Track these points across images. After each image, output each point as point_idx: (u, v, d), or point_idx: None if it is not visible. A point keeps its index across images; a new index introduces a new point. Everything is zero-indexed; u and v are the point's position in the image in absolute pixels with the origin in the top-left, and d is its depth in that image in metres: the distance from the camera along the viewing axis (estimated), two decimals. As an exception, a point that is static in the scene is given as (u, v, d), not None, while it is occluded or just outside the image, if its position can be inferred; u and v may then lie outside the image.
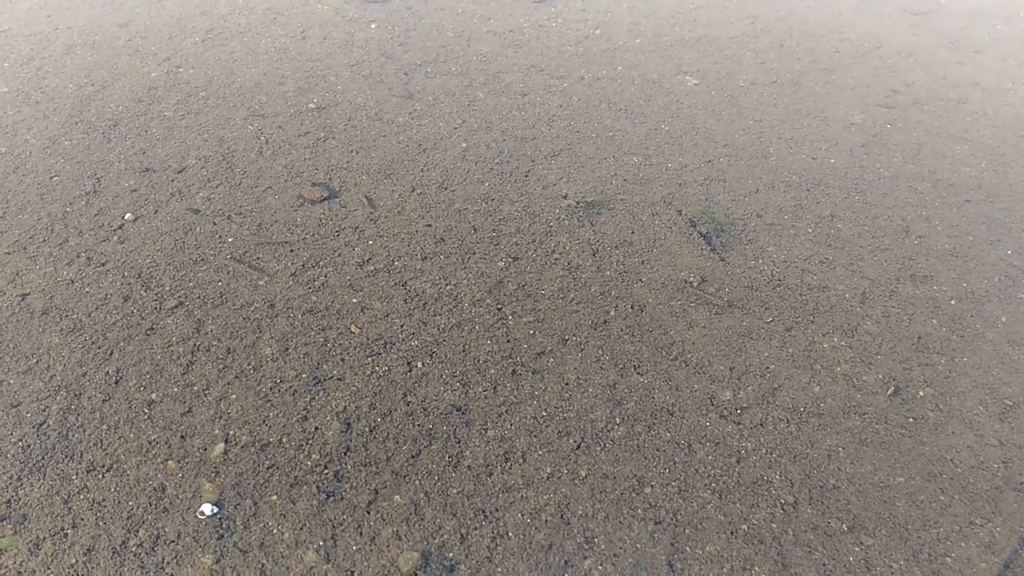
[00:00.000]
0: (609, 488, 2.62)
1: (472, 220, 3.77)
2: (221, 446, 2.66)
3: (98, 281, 3.29)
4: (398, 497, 2.55)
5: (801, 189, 4.15)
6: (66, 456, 2.60)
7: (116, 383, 2.86)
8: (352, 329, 3.14)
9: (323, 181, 3.96)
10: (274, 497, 2.52)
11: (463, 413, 2.84)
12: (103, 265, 3.37)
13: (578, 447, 2.75)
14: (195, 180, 3.92)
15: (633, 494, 2.60)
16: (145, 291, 3.25)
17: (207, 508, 2.46)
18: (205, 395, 2.83)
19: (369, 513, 2.49)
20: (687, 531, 2.51)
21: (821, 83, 5.22)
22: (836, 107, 4.94)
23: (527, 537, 2.46)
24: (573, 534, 2.48)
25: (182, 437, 2.68)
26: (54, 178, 3.87)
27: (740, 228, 3.83)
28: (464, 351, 3.08)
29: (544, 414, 2.85)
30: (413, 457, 2.67)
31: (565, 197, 3.96)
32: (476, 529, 2.47)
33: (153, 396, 2.82)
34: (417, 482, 2.60)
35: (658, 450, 2.75)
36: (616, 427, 2.82)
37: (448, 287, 3.37)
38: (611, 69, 5.24)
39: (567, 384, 2.97)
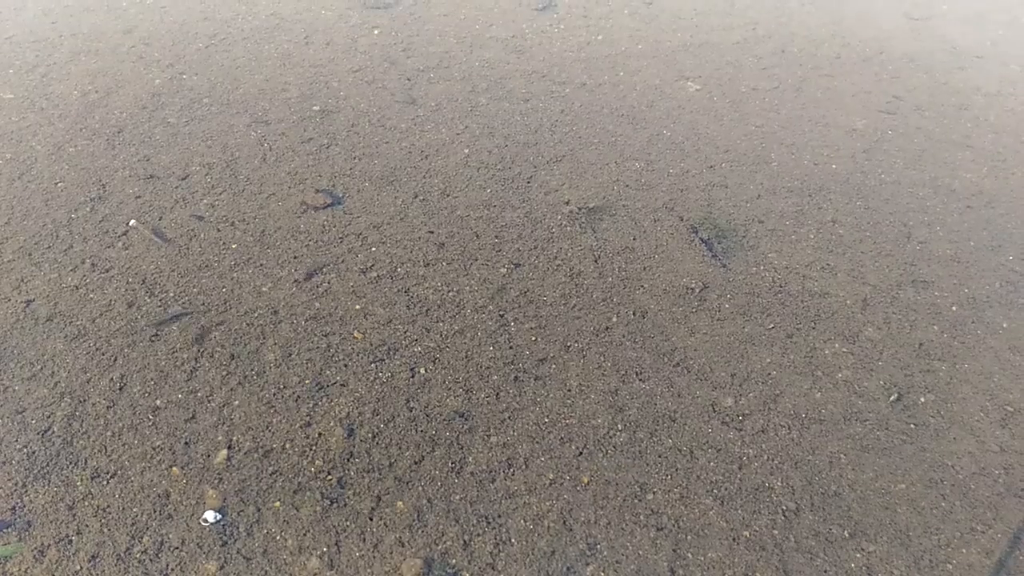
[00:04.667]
0: (611, 494, 2.63)
1: (474, 226, 3.78)
2: (225, 452, 2.68)
3: (102, 287, 3.30)
4: (401, 503, 2.56)
5: (803, 195, 4.16)
6: (70, 462, 2.61)
7: (120, 389, 2.87)
8: (355, 335, 3.15)
9: (326, 188, 3.97)
10: (277, 503, 2.53)
11: (466, 419, 2.85)
12: (107, 271, 3.38)
13: (580, 453, 2.76)
14: (199, 187, 3.94)
15: (635, 500, 2.61)
16: (149, 297, 3.26)
17: (211, 515, 2.47)
18: (209, 401, 2.85)
19: (372, 519, 2.50)
20: (689, 537, 2.52)
21: (823, 89, 5.23)
22: (838, 113, 4.95)
23: (530, 543, 2.47)
24: (576, 540, 2.49)
25: (186, 443, 2.70)
26: (59, 184, 3.89)
27: (742, 234, 3.84)
28: (467, 357, 3.09)
29: (546, 420, 2.86)
30: (416, 463, 2.68)
31: (567, 203, 3.97)
32: (479, 535, 2.48)
33: (157, 402, 2.83)
34: (420, 488, 2.61)
35: (660, 456, 2.76)
36: (618, 433, 2.83)
37: (451, 293, 3.38)
38: (613, 75, 5.25)
39: (569, 390, 2.98)
